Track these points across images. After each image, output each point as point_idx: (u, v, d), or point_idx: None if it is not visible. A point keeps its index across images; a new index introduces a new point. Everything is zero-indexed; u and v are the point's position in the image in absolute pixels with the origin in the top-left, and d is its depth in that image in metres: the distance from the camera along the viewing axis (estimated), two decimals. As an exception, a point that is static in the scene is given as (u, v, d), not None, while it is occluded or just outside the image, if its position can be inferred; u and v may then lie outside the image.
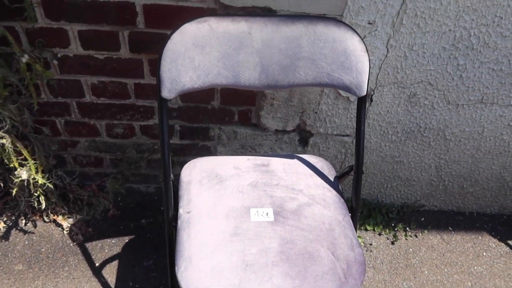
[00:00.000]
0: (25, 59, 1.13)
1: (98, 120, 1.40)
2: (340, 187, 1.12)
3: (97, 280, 1.36)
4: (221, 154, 1.49)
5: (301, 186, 1.09)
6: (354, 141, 1.44)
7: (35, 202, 1.39)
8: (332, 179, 1.13)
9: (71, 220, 1.52)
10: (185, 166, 1.13)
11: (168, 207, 0.99)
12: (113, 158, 1.52)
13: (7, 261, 1.39)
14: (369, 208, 1.66)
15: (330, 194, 1.08)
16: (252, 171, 1.12)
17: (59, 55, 1.23)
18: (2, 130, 1.20)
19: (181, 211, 1.00)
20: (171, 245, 1.02)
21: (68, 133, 1.43)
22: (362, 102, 1.01)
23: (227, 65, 0.94)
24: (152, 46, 1.21)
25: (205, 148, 1.48)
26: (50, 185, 1.34)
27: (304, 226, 0.98)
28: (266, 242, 0.94)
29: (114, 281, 1.37)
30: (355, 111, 1.34)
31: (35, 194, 1.35)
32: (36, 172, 1.30)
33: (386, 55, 1.22)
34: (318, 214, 1.02)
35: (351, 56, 0.95)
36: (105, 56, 1.23)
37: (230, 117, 1.38)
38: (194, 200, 1.02)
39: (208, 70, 0.93)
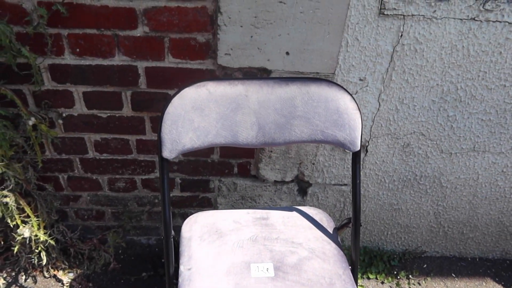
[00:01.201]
0: (31, 122, 1.19)
1: (101, 175, 1.43)
2: (339, 239, 1.13)
3: (96, 338, 1.35)
4: (222, 205, 1.52)
5: (301, 239, 1.10)
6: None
7: (36, 258, 1.39)
8: (331, 231, 1.15)
9: (71, 275, 1.51)
10: (186, 221, 1.15)
11: (169, 264, 1.01)
12: (114, 211, 1.54)
13: (5, 320, 1.38)
14: (370, 256, 1.66)
15: (330, 247, 1.09)
16: (252, 225, 1.14)
17: (64, 115, 1.28)
18: (6, 189, 1.23)
19: (182, 268, 1.01)
20: (172, 303, 1.02)
21: (71, 188, 1.46)
22: (357, 156, 1.04)
23: (225, 126, 0.98)
24: (154, 104, 1.26)
25: (205, 199, 1.50)
26: (52, 242, 1.35)
27: (305, 281, 0.99)
28: (266, 299, 0.94)
29: (114, 339, 1.35)
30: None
31: (36, 250, 1.36)
32: (38, 229, 1.31)
33: (378, 109, 1.27)
34: (318, 269, 1.03)
35: (343, 114, 1.00)
36: (108, 114, 1.28)
37: (229, 170, 1.42)
38: (194, 257, 1.03)
39: (207, 130, 0.98)
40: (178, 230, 1.11)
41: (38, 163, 1.32)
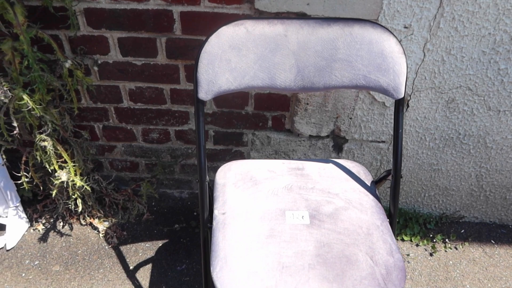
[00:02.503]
0: (68, 64, 1.19)
1: (135, 125, 1.44)
2: (377, 192, 1.10)
3: (131, 283, 1.39)
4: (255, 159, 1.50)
5: (337, 190, 1.08)
6: (390, 147, 1.42)
7: (72, 205, 1.44)
8: (368, 184, 1.11)
9: (106, 224, 1.56)
10: (220, 169, 1.14)
11: (204, 208, 1.01)
12: (148, 163, 1.56)
13: (45, 262, 1.44)
14: (405, 218, 1.62)
15: (367, 199, 1.06)
16: (287, 174, 1.12)
17: (99, 62, 1.28)
18: (44, 134, 1.26)
19: (216, 212, 1.01)
20: (206, 246, 1.03)
21: (106, 138, 1.48)
22: (400, 105, 0.99)
23: (263, 67, 0.95)
24: (188, 52, 1.24)
25: (238, 153, 1.49)
26: (88, 188, 1.39)
27: (341, 230, 0.97)
28: (302, 244, 0.93)
29: (147, 284, 1.39)
30: (391, 116, 1.33)
31: (73, 197, 1.40)
32: (75, 175, 1.35)
33: (423, 60, 1.20)
34: (355, 218, 1.00)
35: (388, 57, 0.95)
36: (143, 62, 1.27)
37: (263, 123, 1.40)
38: (229, 202, 1.03)
39: (244, 72, 0.95)
40: (211, 183, 1.11)
41: (74, 110, 1.34)
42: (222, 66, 0.93)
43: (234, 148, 1.48)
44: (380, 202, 1.07)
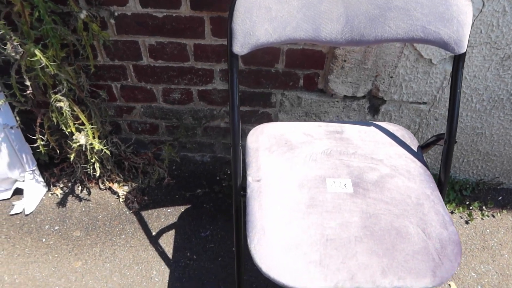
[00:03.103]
0: (83, 15, 1.08)
1: (155, 85, 1.34)
2: (424, 158, 1.00)
3: (154, 249, 1.34)
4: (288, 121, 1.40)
5: (381, 156, 0.98)
6: (432, 109, 1.31)
7: (91, 169, 1.37)
8: (415, 149, 1.02)
9: (126, 188, 1.49)
10: (251, 132, 1.05)
11: (237, 174, 0.92)
12: (168, 125, 1.47)
13: (65, 227, 1.39)
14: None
15: (414, 165, 0.97)
16: (325, 138, 1.02)
17: (116, 14, 1.16)
18: (59, 94, 1.17)
19: (250, 179, 0.93)
20: (239, 216, 0.95)
21: (124, 98, 1.39)
22: (460, 60, 0.88)
23: (307, 16, 0.83)
24: (215, 2, 1.12)
25: (265, 115, 1.39)
26: (107, 151, 1.31)
27: (388, 200, 0.89)
28: (346, 215, 0.85)
29: (171, 250, 1.34)
30: (436, 75, 1.21)
31: (91, 160, 1.33)
32: (93, 138, 1.27)
33: (481, 10, 1.07)
34: (402, 187, 0.91)
35: (452, 5, 0.82)
36: (164, 14, 1.15)
37: (294, 82, 1.28)
38: (263, 168, 0.94)
39: (286, 22, 0.83)
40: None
41: (90, 68, 1.24)
42: (261, 15, 0.81)
43: (261, 110, 1.38)
44: (428, 169, 0.98)
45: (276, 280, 0.76)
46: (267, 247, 0.80)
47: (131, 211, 1.44)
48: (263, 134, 1.03)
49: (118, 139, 1.44)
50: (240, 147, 0.91)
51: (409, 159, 0.98)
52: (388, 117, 1.34)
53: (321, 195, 0.89)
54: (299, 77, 1.27)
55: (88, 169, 1.36)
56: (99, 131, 1.32)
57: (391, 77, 1.22)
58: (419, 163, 0.98)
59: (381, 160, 0.97)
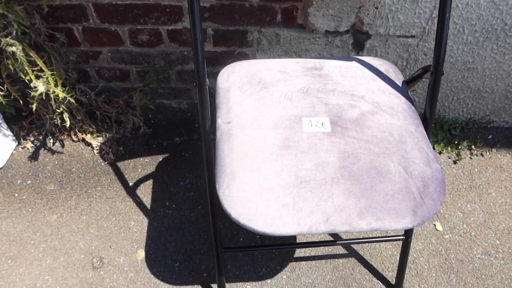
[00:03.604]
0: None
1: (120, 26, 1.22)
2: (409, 93, 0.93)
3: (131, 200, 1.29)
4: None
5: (363, 92, 0.90)
6: (420, 43, 1.21)
7: (58, 120, 1.28)
8: (399, 84, 0.94)
9: (100, 139, 1.42)
10: (222, 71, 0.96)
11: (205, 117, 0.85)
12: (139, 70, 1.37)
13: (38, 181, 1.33)
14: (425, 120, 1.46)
15: (398, 101, 0.89)
16: (302, 75, 0.94)
17: None
18: (10, 37, 1.05)
19: (219, 121, 0.85)
20: (209, 161, 0.89)
21: (88, 42, 1.27)
22: (449, -22, 0.78)
23: None
24: None
25: (242, 55, 1.29)
26: (72, 100, 1.22)
27: (369, 138, 0.82)
28: (323, 156, 0.79)
29: (149, 201, 1.29)
30: (426, 3, 1.10)
31: (58, 110, 1.24)
32: (55, 86, 1.17)
33: None
34: (384, 124, 0.84)
35: None
36: None
37: (271, 17, 1.17)
38: (234, 109, 0.86)
39: None
40: (212, 89, 0.94)
41: (43, 7, 1.12)
42: None
43: (237, 50, 1.28)
44: (413, 105, 0.90)
45: (247, 226, 0.71)
46: (236, 192, 0.74)
47: (106, 162, 1.38)
48: (235, 73, 0.94)
49: (87, 88, 1.34)
50: (207, 87, 0.83)
51: (392, 95, 0.91)
52: (374, 53, 1.25)
53: (296, 136, 0.82)
54: (276, 11, 1.16)
55: (56, 120, 1.28)
56: (62, 78, 1.22)
57: (376, 7, 1.12)
58: (403, 99, 0.90)
59: (362, 96, 0.90)
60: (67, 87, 1.25)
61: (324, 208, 0.72)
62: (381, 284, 1.15)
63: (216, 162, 0.79)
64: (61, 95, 1.17)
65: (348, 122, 0.84)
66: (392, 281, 1.16)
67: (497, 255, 1.21)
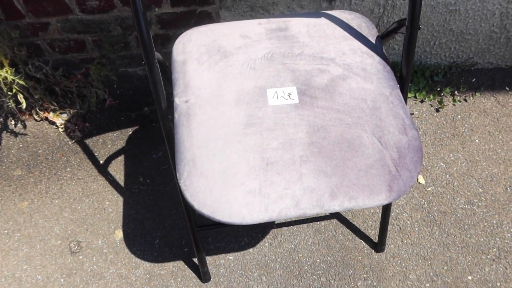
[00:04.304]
0: None
1: (64, -9, 1.09)
2: (384, 51, 0.84)
3: (104, 178, 1.23)
4: (226, 20, 1.19)
5: (333, 53, 0.82)
6: (396, -13, 1.10)
7: (11, 102, 1.18)
8: (373, 41, 0.85)
9: (64, 116, 1.33)
10: (178, 40, 0.86)
11: (159, 97, 0.76)
12: (96, 39, 1.24)
13: (4, 167, 1.26)
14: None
15: (372, 61, 0.81)
16: (266, 39, 0.84)
17: None
18: None
19: (177, 100, 0.77)
20: (172, 145, 0.82)
21: (32, 13, 1.14)
22: None
23: None
24: None
25: (205, 15, 1.18)
26: (21, 81, 1.11)
27: (340, 107, 0.75)
28: (290, 132, 0.72)
29: (122, 178, 1.23)
30: None
31: (9, 93, 1.14)
32: (2, 67, 1.06)
33: None
34: (357, 90, 0.77)
35: None
36: None
37: (230, -31, 1.05)
38: (192, 85, 0.78)
39: None
40: (168, 62, 0.85)
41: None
42: None
43: (198, 9, 1.16)
44: (388, 63, 0.82)
45: (211, 217, 0.66)
46: (198, 180, 0.68)
47: (73, 141, 1.30)
48: (191, 42, 0.84)
49: (41, 63, 1.23)
50: (157, 63, 0.74)
51: (365, 54, 0.82)
52: (347, 2, 1.14)
53: (261, 111, 0.74)
54: (236, -38, 1.03)
55: (9, 103, 1.18)
56: (8, 57, 1.10)
57: (346, -50, 0.99)
58: (377, 58, 0.82)
59: (332, 59, 0.81)
60: (18, 65, 1.14)
61: (293, 191, 0.67)
62: (364, 243, 1.14)
63: (176, 148, 0.73)
64: (9, 78, 1.06)
65: (317, 90, 0.77)
66: (375, 239, 1.14)
67: (479, 204, 1.20)
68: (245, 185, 0.67)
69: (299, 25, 0.87)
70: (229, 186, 0.67)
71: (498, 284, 1.08)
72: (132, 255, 1.12)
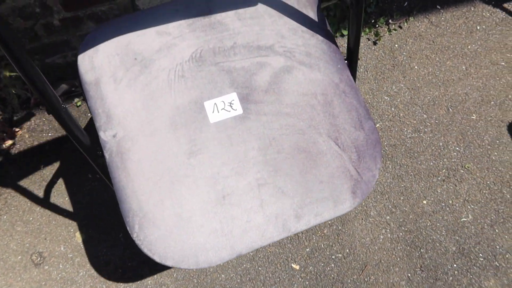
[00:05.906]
0: None
1: None
2: (327, 23, 0.67)
3: (51, 181, 1.04)
4: (132, 14, 0.92)
5: (270, 40, 0.63)
6: None
7: None
8: (313, 12, 0.66)
9: (-12, 125, 1.07)
10: (81, 51, 0.63)
11: (79, 138, 0.58)
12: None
13: None
14: (342, 9, 1.20)
15: (315, 41, 0.64)
16: (188, 32, 0.64)
17: None
18: None
19: (102, 135, 0.59)
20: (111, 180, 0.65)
21: None
22: None
23: None
24: None
25: (120, 3, 0.89)
26: None
27: (289, 110, 0.60)
28: (240, 151, 0.58)
29: (71, 177, 1.05)
30: None
31: None
32: None
33: None
34: (304, 82, 0.61)
35: None
36: None
37: None
38: (115, 113, 0.59)
39: None
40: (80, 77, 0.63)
41: None
42: None
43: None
44: (332, 39, 0.66)
45: (177, 267, 0.54)
46: (153, 232, 0.54)
47: (6, 150, 1.07)
48: (99, 53, 0.62)
49: None
50: (65, 108, 0.54)
51: (306, 34, 0.65)
52: None
53: (202, 132, 0.58)
54: None
55: None
56: None
57: None
58: (320, 37, 0.65)
59: (270, 46, 0.63)
60: None
61: (257, 222, 0.55)
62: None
63: (117, 196, 0.57)
64: None
65: (261, 93, 0.60)
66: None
67: (425, 129, 1.14)
68: (204, 227, 0.55)
69: (225, 7, 0.66)
70: (188, 232, 0.54)
71: (450, 201, 1.08)
72: (99, 254, 1.01)
